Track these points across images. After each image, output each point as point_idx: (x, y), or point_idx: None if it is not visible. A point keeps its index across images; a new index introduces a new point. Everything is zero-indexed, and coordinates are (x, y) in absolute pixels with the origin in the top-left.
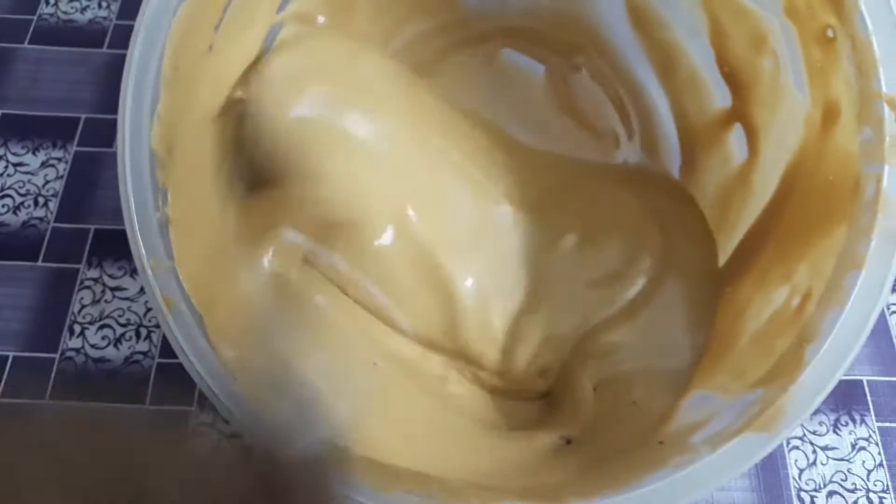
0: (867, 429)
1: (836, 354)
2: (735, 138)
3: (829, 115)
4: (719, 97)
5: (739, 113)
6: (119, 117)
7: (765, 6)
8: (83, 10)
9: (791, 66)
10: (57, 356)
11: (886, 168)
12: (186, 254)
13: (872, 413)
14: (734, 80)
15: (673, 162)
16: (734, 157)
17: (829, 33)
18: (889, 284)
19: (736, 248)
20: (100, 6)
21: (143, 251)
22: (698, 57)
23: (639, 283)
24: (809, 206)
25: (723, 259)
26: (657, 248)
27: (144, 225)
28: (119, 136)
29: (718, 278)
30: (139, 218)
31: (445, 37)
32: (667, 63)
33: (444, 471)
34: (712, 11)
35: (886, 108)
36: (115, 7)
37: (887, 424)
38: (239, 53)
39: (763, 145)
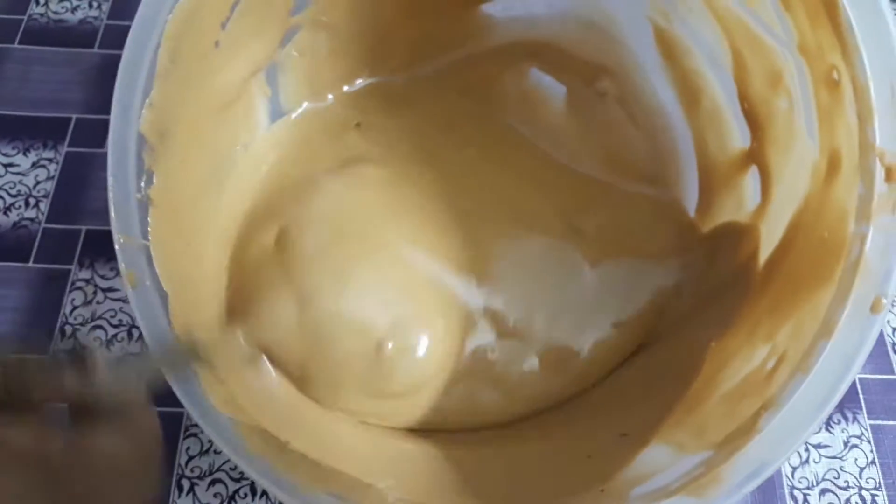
0: (859, 427)
1: (788, 428)
2: (750, 182)
3: (833, 165)
4: (739, 135)
5: (756, 154)
6: (113, 100)
7: (781, 41)
8: (74, 9)
9: (804, 107)
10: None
11: (871, 229)
12: (162, 236)
13: (864, 411)
14: (753, 117)
15: (690, 198)
16: (748, 202)
17: (835, 75)
18: (859, 359)
19: (732, 302)
20: (90, 6)
21: (117, 225)
22: (721, 89)
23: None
24: (804, 264)
25: (715, 310)
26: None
27: (122, 201)
28: (112, 116)
29: (709, 330)
30: (116, 194)
31: (474, 48)
32: (691, 92)
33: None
34: (734, 43)
35: (878, 164)
36: (105, 7)
37: (879, 422)
38: (250, 52)
39: (775, 191)
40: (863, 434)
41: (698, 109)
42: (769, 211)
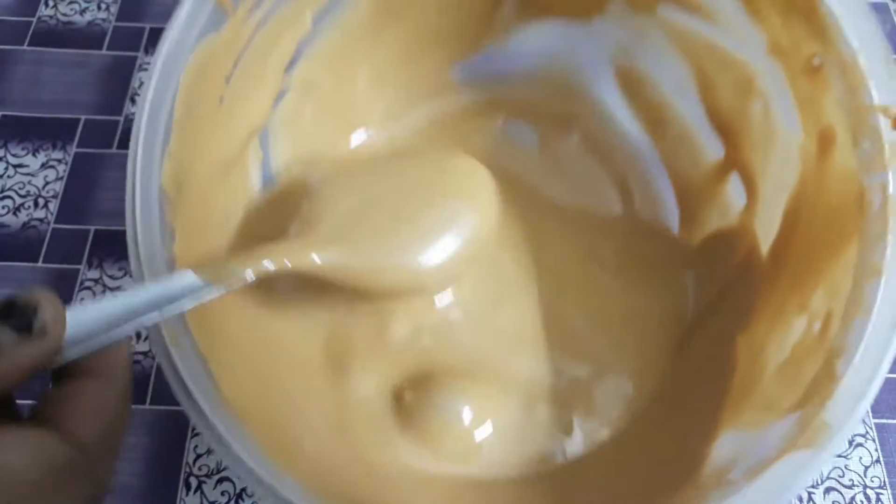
0: (864, 425)
1: (871, 361)
2: (732, 188)
3: (825, 140)
4: (712, 150)
5: (733, 161)
6: (130, 154)
7: (748, 50)
8: (82, 11)
9: (780, 104)
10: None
11: (890, 174)
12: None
13: (870, 410)
14: (725, 129)
15: (671, 218)
16: (733, 206)
17: (816, 61)
18: None
19: (744, 295)
20: (99, 8)
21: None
22: (688, 113)
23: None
24: (816, 234)
25: (730, 308)
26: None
27: (151, 263)
28: (129, 171)
29: (730, 327)
30: (145, 254)
31: (447, 107)
32: (657, 123)
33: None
34: (698, 65)
35: (882, 118)
36: (114, 9)
37: (884, 421)
38: (248, 111)
39: (761, 188)
40: (867, 433)
41: (666, 137)
42: (759, 207)
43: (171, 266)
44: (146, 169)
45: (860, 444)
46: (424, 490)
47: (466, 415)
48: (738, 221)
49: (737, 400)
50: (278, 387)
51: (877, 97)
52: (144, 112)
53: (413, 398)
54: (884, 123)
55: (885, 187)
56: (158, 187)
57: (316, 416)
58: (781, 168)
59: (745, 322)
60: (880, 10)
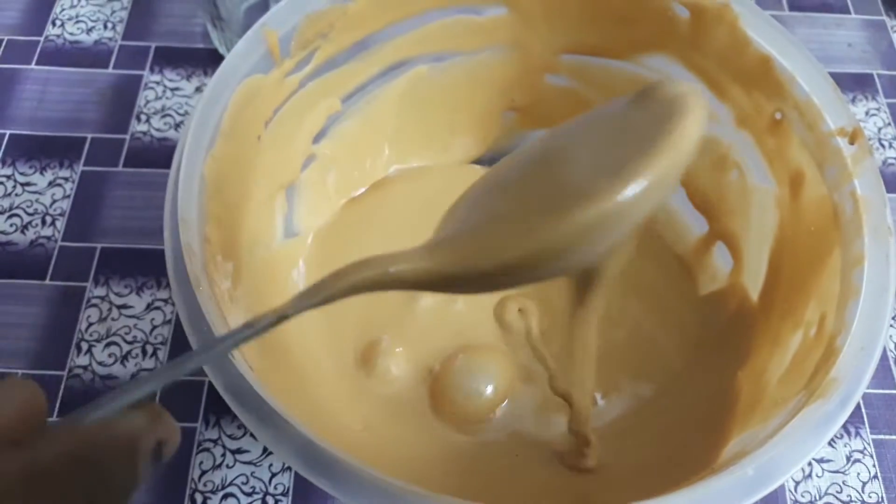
0: (862, 441)
1: (871, 321)
2: (719, 254)
3: (796, 182)
4: (696, 227)
5: (717, 233)
6: (182, 136)
7: (719, 128)
8: (89, 31)
9: (752, 165)
10: (65, 374)
11: (856, 181)
12: None
13: (867, 425)
14: (706, 206)
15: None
16: (721, 271)
17: (778, 115)
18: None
19: (741, 338)
20: (105, 27)
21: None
22: (672, 198)
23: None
24: (800, 263)
25: (729, 349)
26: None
27: (187, 228)
28: (177, 152)
29: (730, 365)
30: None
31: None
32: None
33: None
34: None
35: (839, 139)
36: (120, 28)
37: (882, 437)
38: (279, 165)
39: (745, 249)
40: (865, 449)
41: (656, 221)
42: (745, 265)
43: (203, 244)
44: (192, 158)
45: (858, 461)
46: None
47: (489, 389)
48: (728, 283)
49: (744, 416)
50: (312, 383)
51: (832, 123)
52: (200, 106)
53: (443, 374)
54: (842, 143)
55: (854, 193)
56: (200, 174)
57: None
58: (761, 223)
59: (743, 360)
60: (878, 28)
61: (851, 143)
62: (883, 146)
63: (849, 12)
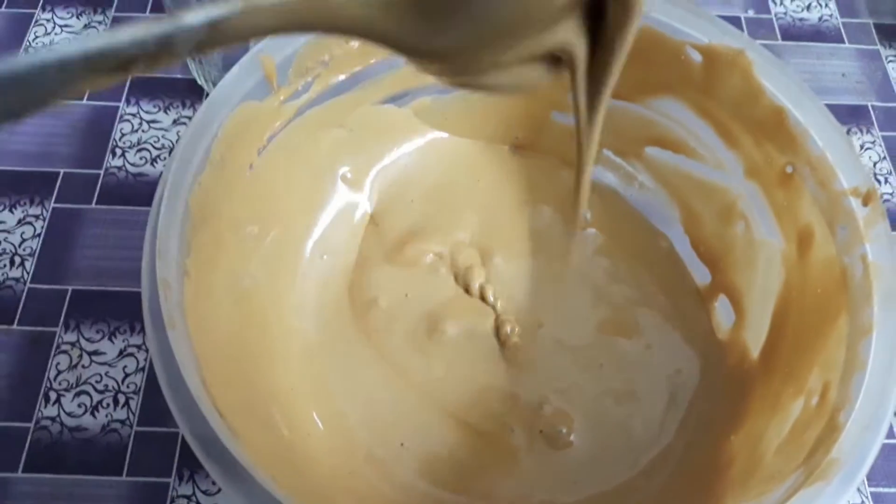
0: (860, 495)
1: (877, 399)
2: (721, 307)
3: (804, 240)
4: (699, 277)
5: (720, 286)
6: (167, 165)
7: (728, 178)
8: None
9: (760, 219)
10: (31, 425)
11: (868, 245)
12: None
13: (866, 478)
14: (710, 256)
15: None
16: (722, 325)
17: (789, 169)
18: None
19: (737, 397)
20: None
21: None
22: (676, 245)
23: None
24: (805, 324)
25: (722, 410)
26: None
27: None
28: (161, 182)
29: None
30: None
31: None
32: None
33: None
34: (682, 199)
35: (852, 199)
36: None
37: (880, 490)
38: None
39: (748, 305)
40: (864, 502)
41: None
42: (747, 322)
43: (182, 278)
44: (176, 185)
45: None
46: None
47: None
48: (728, 337)
49: (739, 485)
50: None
51: (845, 182)
52: (188, 134)
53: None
54: (855, 203)
55: (864, 258)
56: (185, 204)
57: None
58: (766, 279)
59: (740, 421)
60: (873, 58)
61: (865, 204)
62: (879, 181)
63: (842, 41)
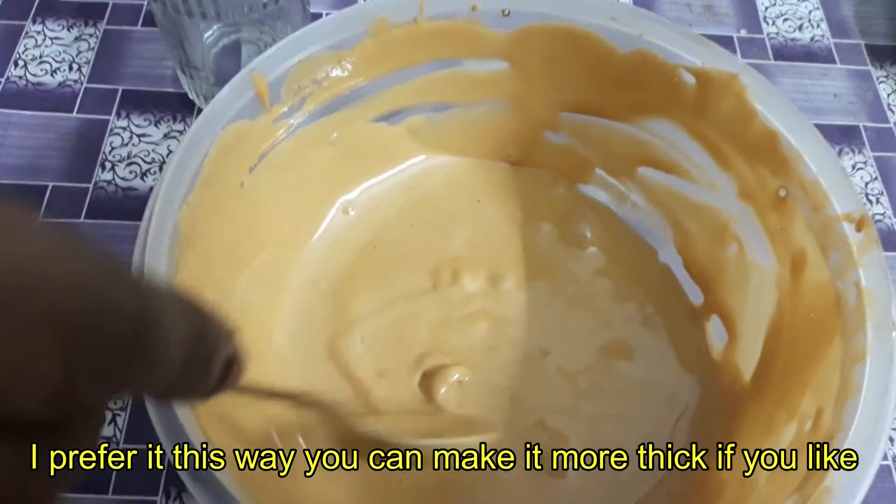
0: None
1: (870, 426)
2: (713, 328)
3: (797, 264)
4: (691, 298)
5: (713, 307)
6: (156, 187)
7: (720, 199)
8: (53, 72)
9: (753, 241)
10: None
11: (861, 271)
12: None
13: None
14: (703, 277)
15: None
16: (714, 347)
17: (782, 193)
18: None
19: (729, 424)
20: (70, 69)
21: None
22: (670, 263)
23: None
24: (798, 348)
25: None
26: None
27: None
28: (150, 203)
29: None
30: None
31: None
32: None
33: None
34: (675, 219)
35: (846, 224)
36: (86, 70)
37: None
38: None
39: (740, 326)
40: None
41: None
42: (739, 343)
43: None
44: (166, 203)
45: None
46: None
47: None
48: (721, 358)
49: None
50: None
51: (839, 208)
52: (179, 151)
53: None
54: (848, 229)
55: (858, 283)
56: (174, 222)
57: None
58: (758, 301)
59: (731, 447)
60: (864, 78)
61: (858, 230)
62: (870, 202)
63: (834, 62)
